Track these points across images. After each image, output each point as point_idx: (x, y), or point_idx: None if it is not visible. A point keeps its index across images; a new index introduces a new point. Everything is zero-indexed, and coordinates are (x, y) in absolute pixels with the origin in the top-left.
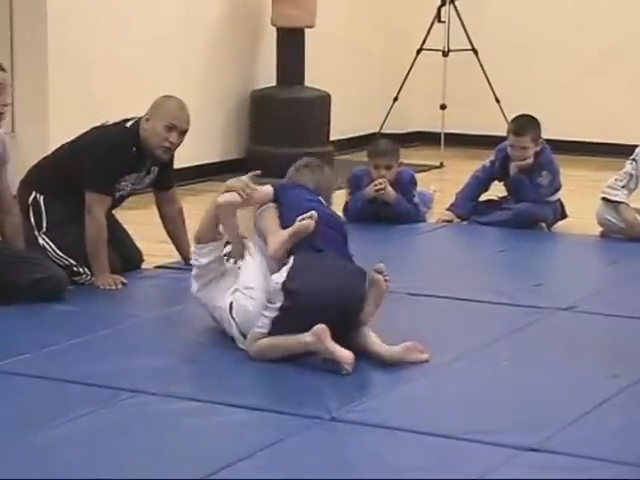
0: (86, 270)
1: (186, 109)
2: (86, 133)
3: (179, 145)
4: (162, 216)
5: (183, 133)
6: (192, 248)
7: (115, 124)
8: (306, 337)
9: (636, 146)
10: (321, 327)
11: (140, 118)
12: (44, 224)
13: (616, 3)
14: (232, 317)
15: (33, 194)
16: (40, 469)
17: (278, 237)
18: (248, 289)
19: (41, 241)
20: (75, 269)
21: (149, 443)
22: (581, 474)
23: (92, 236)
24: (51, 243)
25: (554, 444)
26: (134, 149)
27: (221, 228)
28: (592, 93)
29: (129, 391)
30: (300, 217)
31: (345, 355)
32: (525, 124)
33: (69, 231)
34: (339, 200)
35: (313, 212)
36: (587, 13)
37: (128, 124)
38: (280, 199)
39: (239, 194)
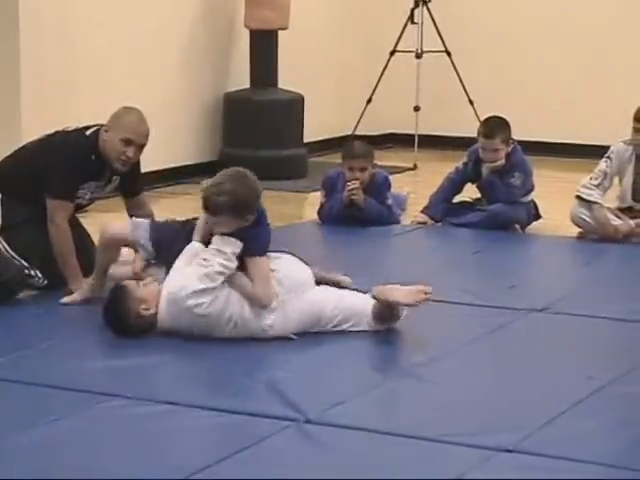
0: (38, 273)
1: (145, 123)
2: (47, 137)
3: (137, 158)
4: None
5: (141, 147)
6: None
7: (75, 130)
8: None
9: (609, 146)
10: None
11: (101, 127)
12: None
13: (588, 5)
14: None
15: None
16: (14, 473)
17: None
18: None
19: None
20: (27, 272)
21: (124, 446)
22: (557, 475)
23: (59, 245)
24: (4, 244)
25: (530, 445)
26: (93, 157)
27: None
28: (565, 94)
29: (104, 394)
30: None
31: None
32: (495, 126)
33: (22, 232)
34: (314, 201)
35: None
36: (560, 15)
37: (88, 132)
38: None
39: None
